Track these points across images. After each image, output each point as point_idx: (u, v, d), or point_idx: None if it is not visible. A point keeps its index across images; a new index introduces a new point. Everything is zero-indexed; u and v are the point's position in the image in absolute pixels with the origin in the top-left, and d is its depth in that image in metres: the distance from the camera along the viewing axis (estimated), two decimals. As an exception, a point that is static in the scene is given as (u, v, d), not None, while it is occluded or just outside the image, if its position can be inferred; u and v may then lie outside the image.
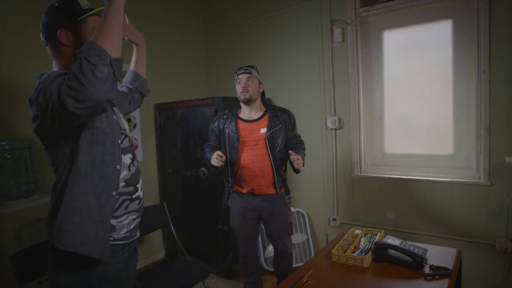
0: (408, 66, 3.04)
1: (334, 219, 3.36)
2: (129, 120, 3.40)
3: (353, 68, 3.18)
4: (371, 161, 3.28)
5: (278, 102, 3.61)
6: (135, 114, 3.46)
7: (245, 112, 2.49)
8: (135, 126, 3.47)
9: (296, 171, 2.35)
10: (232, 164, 2.42)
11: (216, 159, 2.26)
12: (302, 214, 3.45)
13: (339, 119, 3.27)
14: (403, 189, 3.02)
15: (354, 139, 3.22)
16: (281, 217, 2.49)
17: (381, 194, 3.13)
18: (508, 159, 2.45)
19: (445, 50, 2.85)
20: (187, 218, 3.50)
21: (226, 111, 2.55)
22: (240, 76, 2.42)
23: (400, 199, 3.04)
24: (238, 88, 2.43)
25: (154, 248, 3.70)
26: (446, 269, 1.51)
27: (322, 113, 3.37)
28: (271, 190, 2.44)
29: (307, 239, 3.40)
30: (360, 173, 3.25)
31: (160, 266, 2.58)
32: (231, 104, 3.14)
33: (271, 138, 2.39)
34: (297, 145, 2.49)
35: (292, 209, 3.45)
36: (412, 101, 3.05)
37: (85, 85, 0.93)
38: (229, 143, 2.42)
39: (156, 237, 3.69)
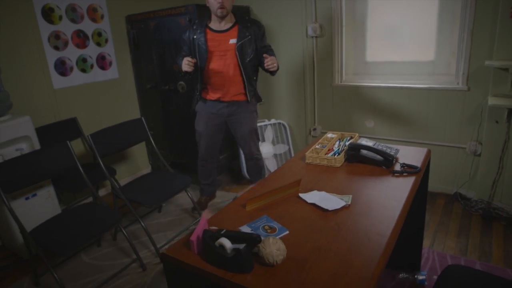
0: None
1: (314, 129, 3.42)
2: (99, 34, 3.20)
3: (336, -31, 2.95)
4: (352, 70, 3.23)
5: (257, 8, 3.40)
6: (106, 28, 3.24)
7: (215, 23, 2.50)
8: (106, 40, 3.27)
9: (272, 72, 2.46)
10: (201, 71, 2.51)
11: (186, 64, 2.33)
12: (283, 125, 3.49)
13: (320, 26, 3.13)
14: (383, 97, 3.03)
15: (336, 47, 3.13)
16: (247, 122, 2.66)
17: (361, 103, 3.15)
18: (487, 62, 2.44)
19: None
20: (168, 133, 3.51)
21: (196, 21, 2.56)
22: None
23: (379, 107, 3.07)
24: (214, 3, 2.37)
25: (140, 164, 3.77)
26: (414, 167, 1.58)
27: (302, 20, 3.21)
28: (241, 98, 2.59)
29: (289, 149, 3.50)
30: (340, 82, 3.22)
31: (144, 178, 2.65)
32: (206, 12, 2.95)
33: (240, 49, 2.45)
34: (269, 53, 2.51)
35: (273, 120, 3.48)
36: (396, 7, 2.91)
37: None
38: (199, 53, 2.48)
39: (141, 153, 3.74)
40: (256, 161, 2.85)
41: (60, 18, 2.90)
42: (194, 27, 2.51)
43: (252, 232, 1.19)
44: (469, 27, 2.55)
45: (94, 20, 3.14)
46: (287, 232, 1.19)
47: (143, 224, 2.38)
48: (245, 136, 2.70)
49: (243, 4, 3.41)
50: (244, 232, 1.17)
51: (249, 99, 2.57)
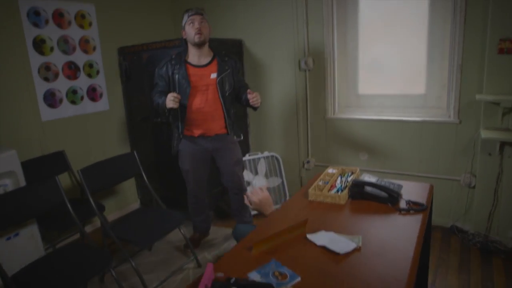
0: (384, 6, 2.93)
1: (308, 162, 3.40)
2: (90, 66, 3.16)
3: (327, 7, 3.02)
4: (345, 103, 3.26)
5: (249, 42, 3.45)
6: (97, 59, 3.21)
7: (194, 57, 2.48)
8: (98, 72, 3.23)
9: (255, 108, 2.45)
10: (182, 109, 2.45)
11: (172, 100, 2.26)
12: (276, 158, 3.45)
13: (313, 60, 3.18)
14: (376, 130, 3.05)
15: (328, 80, 3.16)
16: (233, 153, 2.64)
17: (354, 136, 3.15)
18: (477, 96, 2.49)
19: (422, -14, 2.75)
20: (159, 166, 3.42)
21: (173, 56, 2.52)
22: (193, 17, 2.38)
23: (373, 140, 3.08)
24: (191, 30, 2.39)
25: (128, 198, 3.64)
26: (420, 204, 1.55)
27: (295, 55, 3.25)
28: (223, 131, 2.56)
29: (282, 182, 3.45)
30: (333, 115, 3.23)
31: (135, 215, 2.54)
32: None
33: (221, 83, 2.45)
34: (246, 88, 2.55)
35: (266, 153, 3.44)
36: (387, 42, 2.99)
37: None
38: (180, 88, 2.43)
39: (130, 187, 3.62)
40: (241, 193, 2.74)
41: (52, 49, 2.86)
42: (173, 62, 2.45)
43: (263, 280, 1.11)
44: (458, 62, 2.63)
45: (86, 51, 3.11)
46: (299, 279, 1.12)
47: (133, 264, 2.25)
48: (231, 168, 2.65)
49: (236, 38, 3.45)
50: (256, 281, 1.10)
51: (229, 132, 2.56)
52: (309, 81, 3.25)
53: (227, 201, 3.33)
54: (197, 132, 2.51)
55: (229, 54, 2.59)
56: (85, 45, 3.10)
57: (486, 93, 2.49)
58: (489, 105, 2.50)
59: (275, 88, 3.42)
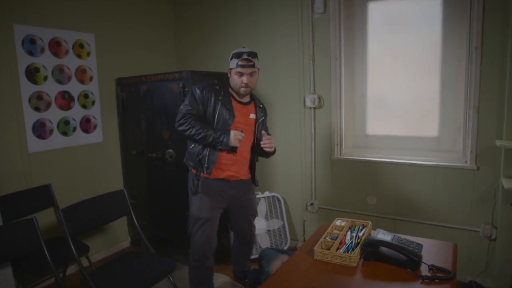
0: (393, 41, 2.81)
1: (311, 204, 3.17)
2: (86, 96, 3.02)
3: (334, 41, 2.91)
4: (352, 143, 3.07)
5: (254, 78, 3.31)
6: (93, 89, 3.08)
7: (234, 92, 2.24)
8: (93, 102, 3.09)
9: (267, 155, 2.29)
10: None
11: (238, 139, 2.07)
12: (278, 199, 3.23)
13: (319, 98, 3.03)
14: (385, 172, 2.84)
15: (335, 119, 3.00)
16: (253, 202, 2.44)
17: (361, 178, 2.94)
18: (498, 142, 2.30)
19: (434, 24, 2.64)
20: (152, 204, 3.20)
21: (217, 81, 2.23)
22: (243, 70, 2.10)
23: (382, 183, 2.86)
24: (238, 81, 2.13)
25: (119, 236, 3.40)
26: (447, 271, 1.32)
27: (300, 91, 3.11)
28: (247, 176, 2.33)
29: (283, 225, 3.20)
30: (340, 155, 3.04)
31: (120, 260, 2.29)
32: (201, 79, 2.82)
33: (258, 126, 2.27)
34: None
35: (267, 193, 3.23)
36: (397, 79, 2.84)
37: None
38: (222, 120, 2.14)
39: (120, 225, 3.37)
40: (251, 243, 2.58)
41: (45, 78, 2.73)
42: (217, 87, 2.17)
43: None
44: (475, 104, 2.46)
45: (82, 81, 2.98)
46: None
47: (114, 320, 1.98)
48: (249, 218, 2.44)
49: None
50: None
51: (253, 178, 2.35)
52: (314, 119, 3.08)
53: (227, 240, 3.09)
54: (221, 174, 2.20)
55: (262, 102, 2.43)
56: (81, 75, 2.97)
57: (507, 138, 2.31)
58: (511, 151, 2.31)
59: (280, 126, 3.25)
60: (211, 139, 2.06)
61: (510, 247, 2.38)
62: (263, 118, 2.31)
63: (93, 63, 3.05)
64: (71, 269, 2.94)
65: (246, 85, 2.12)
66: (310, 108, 3.07)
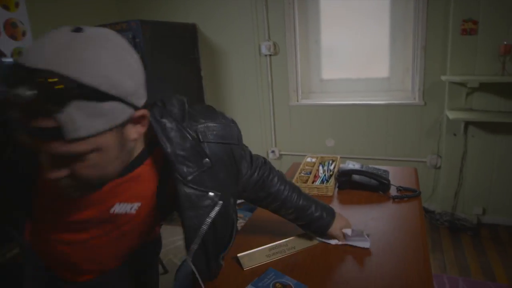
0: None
1: (273, 151, 3.25)
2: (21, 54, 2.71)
3: (287, -15, 2.86)
4: (308, 89, 3.14)
5: (205, 26, 3.19)
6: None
7: None
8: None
9: None
10: None
11: None
12: (240, 150, 3.25)
13: (274, 44, 3.01)
14: (341, 115, 2.97)
15: (291, 65, 3.02)
16: None
17: (319, 122, 3.05)
18: (443, 77, 2.48)
19: (382, -35, 2.68)
20: None
21: None
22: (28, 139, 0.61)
23: (339, 125, 3.00)
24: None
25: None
26: (413, 190, 1.46)
27: (255, 38, 3.06)
28: None
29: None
30: (297, 101, 3.10)
31: None
32: (153, 30, 2.66)
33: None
34: None
35: (229, 145, 3.22)
36: (348, 23, 2.90)
37: None
38: None
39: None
40: None
41: (-31, 35, 2.39)
42: None
43: (268, 297, 0.92)
44: (422, 44, 2.60)
45: (13, 37, 2.66)
46: (307, 289, 0.95)
47: None
48: None
49: (188, 22, 3.16)
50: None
51: None
52: (271, 67, 3.07)
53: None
54: None
55: None
56: (11, 29, 2.65)
57: (451, 74, 2.49)
58: (454, 86, 2.51)
59: (235, 75, 3.21)
60: None
61: (452, 173, 2.66)
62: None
63: (24, 15, 2.72)
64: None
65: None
66: (266, 55, 3.05)
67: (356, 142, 2.97)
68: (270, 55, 3.04)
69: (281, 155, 3.26)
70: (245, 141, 3.15)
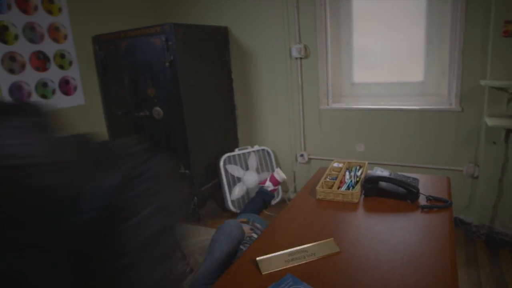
0: (379, -15, 2.76)
1: (301, 155, 3.22)
2: (62, 56, 2.86)
3: (319, -12, 2.83)
4: (339, 92, 3.09)
5: (236, 29, 3.22)
6: (70, 49, 2.91)
7: None
8: (70, 63, 2.93)
9: None
10: None
11: None
12: (268, 152, 3.26)
13: (305, 47, 2.98)
14: (372, 120, 2.89)
15: (321, 68, 2.98)
16: None
17: (349, 127, 2.99)
18: (482, 82, 2.36)
19: (420, -35, 2.59)
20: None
21: None
22: None
23: (370, 130, 2.92)
24: None
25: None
26: (444, 200, 1.39)
27: (286, 41, 3.05)
28: None
29: (274, 177, 3.25)
30: (327, 105, 3.06)
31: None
32: (186, 33, 2.72)
33: None
34: None
35: (257, 147, 3.24)
36: (382, 25, 2.82)
37: None
38: None
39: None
40: None
41: (16, 37, 2.55)
42: None
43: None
44: (459, 47, 2.49)
45: (56, 40, 2.81)
46: (325, 297, 0.93)
47: None
48: None
49: (221, 25, 3.21)
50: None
51: None
52: (301, 70, 3.05)
53: (218, 197, 3.14)
54: None
55: None
56: (55, 33, 2.80)
57: (491, 78, 2.36)
58: (494, 91, 2.37)
59: (265, 78, 3.21)
60: None
61: (491, 184, 2.51)
62: None
63: (66, 19, 2.87)
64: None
65: None
66: (296, 58, 3.03)
67: (387, 148, 2.88)
68: (300, 58, 3.01)
69: (310, 159, 3.22)
70: (274, 143, 3.07)
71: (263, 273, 1.06)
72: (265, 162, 3.26)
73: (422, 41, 2.70)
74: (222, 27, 3.21)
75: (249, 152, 3.20)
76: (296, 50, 2.98)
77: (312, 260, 1.10)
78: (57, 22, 2.81)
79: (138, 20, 3.39)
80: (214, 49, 3.11)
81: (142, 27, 2.77)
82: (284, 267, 1.08)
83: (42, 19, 2.70)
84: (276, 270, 1.07)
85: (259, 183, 3.00)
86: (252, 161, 3.19)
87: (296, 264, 1.09)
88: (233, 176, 3.12)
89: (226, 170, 3.09)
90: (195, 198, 2.94)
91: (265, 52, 3.15)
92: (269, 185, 2.70)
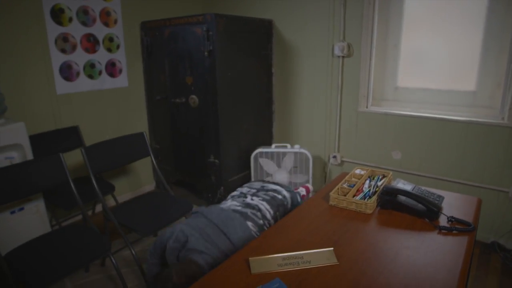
0: (435, -16, 2.56)
1: (334, 157, 3.12)
2: (111, 40, 3.00)
3: (370, -16, 2.69)
4: (380, 95, 2.94)
5: (280, 22, 3.17)
6: (119, 33, 3.05)
7: None
8: (118, 46, 3.07)
9: None
10: None
11: None
12: (307, 157, 3.10)
13: (348, 46, 2.86)
14: (413, 127, 2.72)
15: (364, 69, 2.85)
16: None
17: (388, 132, 2.84)
18: (541, 97, 2.12)
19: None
20: (176, 149, 3.26)
21: None
22: None
23: (409, 138, 2.75)
24: None
25: (143, 180, 3.52)
26: (467, 223, 1.27)
27: (329, 38, 2.95)
28: None
29: (307, 181, 3.16)
30: (366, 108, 2.92)
31: (141, 200, 2.38)
32: (226, 23, 2.73)
33: None
34: None
35: (297, 148, 3.08)
36: (435, 28, 2.62)
37: None
38: None
39: (145, 168, 3.48)
40: None
41: (70, 20, 2.72)
42: None
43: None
44: (520, 56, 2.25)
45: (106, 24, 2.95)
46: (306, 309, 0.89)
47: (133, 252, 2.10)
48: None
49: (266, 17, 3.18)
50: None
51: None
52: (342, 69, 2.94)
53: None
54: None
55: None
56: (106, 17, 2.94)
57: (552, 94, 2.12)
58: (554, 108, 2.13)
59: (305, 74, 3.14)
60: None
61: (540, 209, 2.27)
62: None
63: (118, 5, 3.00)
64: (99, 207, 3.10)
65: None
66: (339, 56, 2.92)
67: (426, 158, 2.70)
68: (343, 56, 2.90)
69: (342, 161, 3.11)
70: (308, 142, 2.96)
71: (252, 273, 1.04)
72: (301, 165, 3.15)
73: (478, 48, 2.48)
74: (267, 20, 3.18)
75: (285, 152, 3.12)
76: (339, 48, 2.87)
77: (305, 267, 1.06)
78: (109, 7, 2.95)
79: (186, 8, 3.46)
80: (256, 42, 3.10)
81: (185, 16, 2.82)
82: (275, 271, 1.05)
83: (95, 3, 2.85)
84: (267, 272, 1.04)
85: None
86: (288, 162, 3.12)
87: (287, 269, 1.05)
88: (263, 171, 3.10)
89: (257, 164, 3.07)
90: (222, 187, 2.97)
91: (307, 47, 3.08)
92: (301, 190, 2.67)
